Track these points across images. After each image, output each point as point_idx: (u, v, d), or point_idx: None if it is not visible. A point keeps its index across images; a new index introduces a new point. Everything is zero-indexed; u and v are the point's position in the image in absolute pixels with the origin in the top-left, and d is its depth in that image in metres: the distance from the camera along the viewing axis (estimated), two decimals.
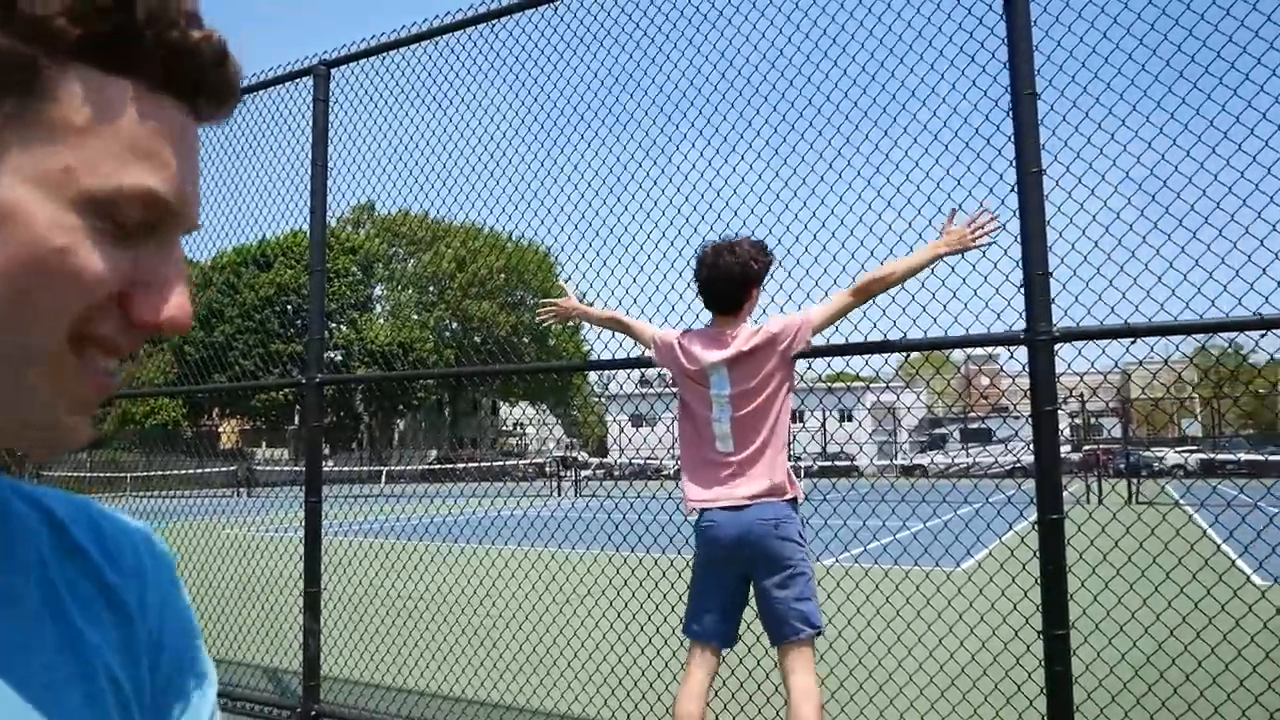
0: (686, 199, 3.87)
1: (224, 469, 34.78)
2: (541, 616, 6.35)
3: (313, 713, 4.30)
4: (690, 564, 3.12)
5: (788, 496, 2.99)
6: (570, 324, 3.70)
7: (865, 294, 3.04)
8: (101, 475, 31.80)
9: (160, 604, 0.66)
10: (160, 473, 32.61)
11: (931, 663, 4.09)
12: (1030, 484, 2.94)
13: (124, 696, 0.59)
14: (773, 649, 3.00)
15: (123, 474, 31.55)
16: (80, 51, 0.48)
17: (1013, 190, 2.91)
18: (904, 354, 3.58)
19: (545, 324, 3.61)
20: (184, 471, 33.35)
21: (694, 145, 3.91)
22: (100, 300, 0.49)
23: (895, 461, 30.69)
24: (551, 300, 3.57)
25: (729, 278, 3.02)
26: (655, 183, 3.97)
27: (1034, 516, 2.87)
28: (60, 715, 0.54)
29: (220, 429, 46.15)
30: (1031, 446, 2.86)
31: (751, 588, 3.03)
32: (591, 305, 3.66)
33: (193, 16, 0.50)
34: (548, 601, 6.70)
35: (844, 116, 3.52)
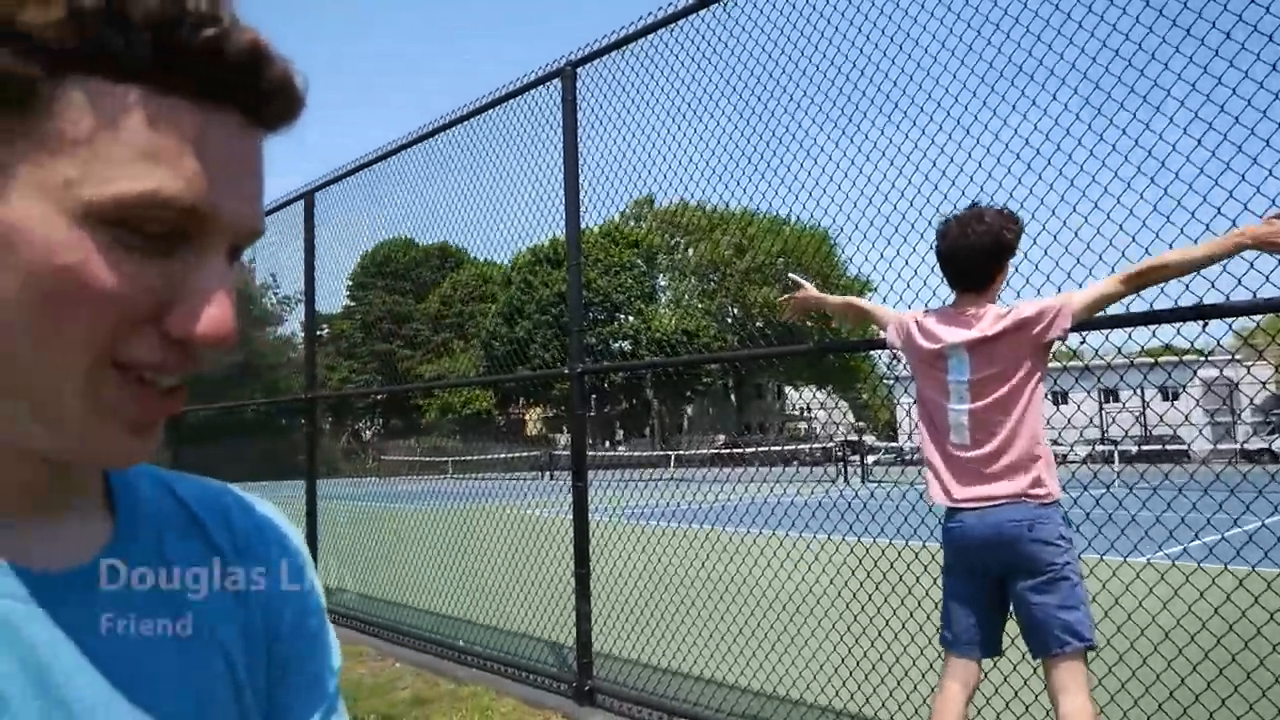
0: (962, 169, 3.60)
1: (529, 454, 37.76)
2: (819, 605, 6.26)
3: (586, 687, 4.55)
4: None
5: (1040, 495, 2.68)
6: (810, 318, 3.58)
7: (1140, 282, 2.62)
8: (428, 459, 35.76)
9: (280, 593, 0.67)
10: (475, 457, 36.07)
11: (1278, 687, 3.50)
12: None
13: (238, 678, 0.61)
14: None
15: (444, 458, 35.27)
16: (78, 62, 0.46)
17: None
18: (1253, 319, 2.99)
19: (789, 320, 3.52)
20: (495, 456, 36.59)
21: (965, 111, 3.63)
22: (129, 317, 0.48)
23: (1237, 445, 26.83)
24: (790, 296, 3.47)
25: (978, 250, 2.76)
26: (927, 157, 3.74)
27: None
28: (172, 689, 0.57)
29: (525, 416, 50.15)
30: None
31: (1009, 595, 2.77)
32: (865, 288, 3.52)
33: (209, 17, 0.48)
34: (830, 591, 6.58)
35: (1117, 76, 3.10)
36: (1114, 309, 2.77)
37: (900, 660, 4.24)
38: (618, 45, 4.21)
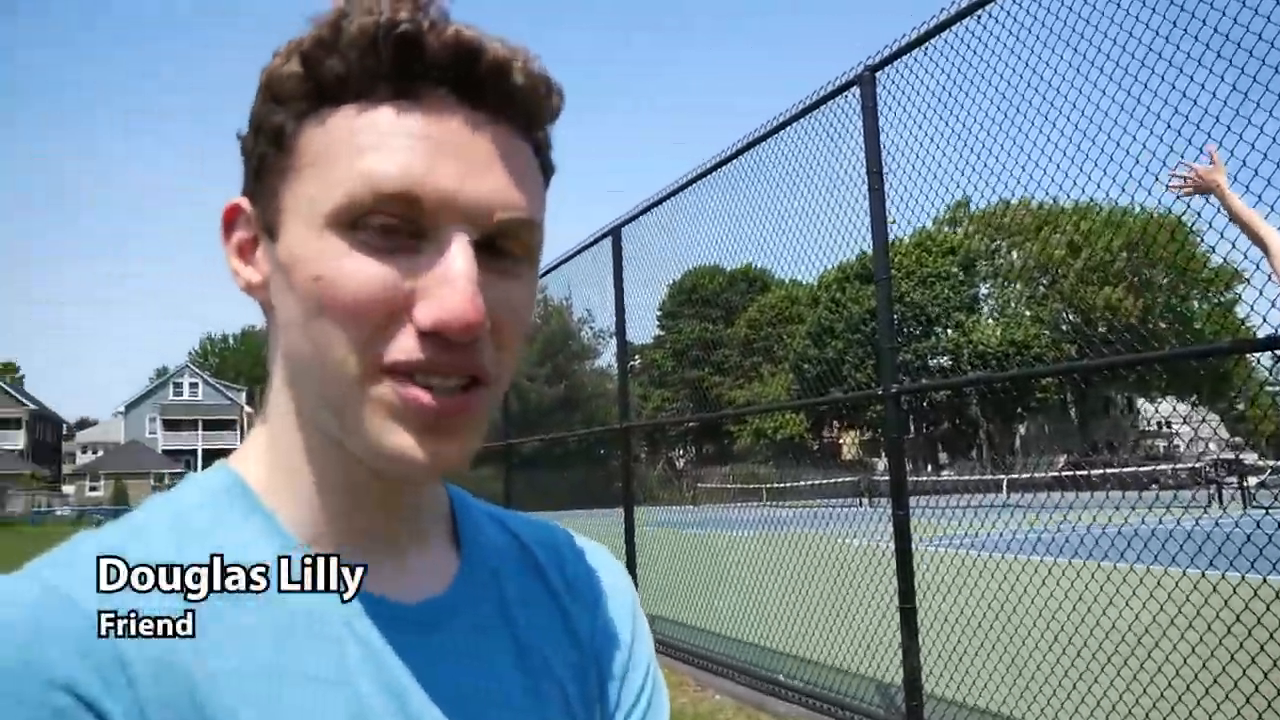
0: None
1: (846, 479, 37.03)
2: (1193, 654, 5.50)
3: None
4: None
5: None
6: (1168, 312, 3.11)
7: None
8: (742, 486, 36.24)
9: (614, 633, 0.70)
10: (790, 484, 36.01)
11: None
12: None
13: (571, 714, 0.63)
14: None
15: (759, 485, 35.56)
16: (313, 97, 0.54)
17: None
18: None
19: (1175, 190, 3.06)
20: (811, 482, 36.30)
21: None
22: (381, 316, 0.52)
23: None
24: (1189, 164, 2.97)
25: None
26: None
27: None
28: (517, 718, 0.60)
29: (841, 440, 49.31)
30: None
31: None
32: (1234, 279, 3.02)
33: (405, 21, 0.51)
34: (1207, 637, 5.78)
35: None
36: None
37: None
38: (918, 43, 4.05)
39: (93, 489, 58.40)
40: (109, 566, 0.52)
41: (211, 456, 69.09)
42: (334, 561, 0.57)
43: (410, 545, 0.63)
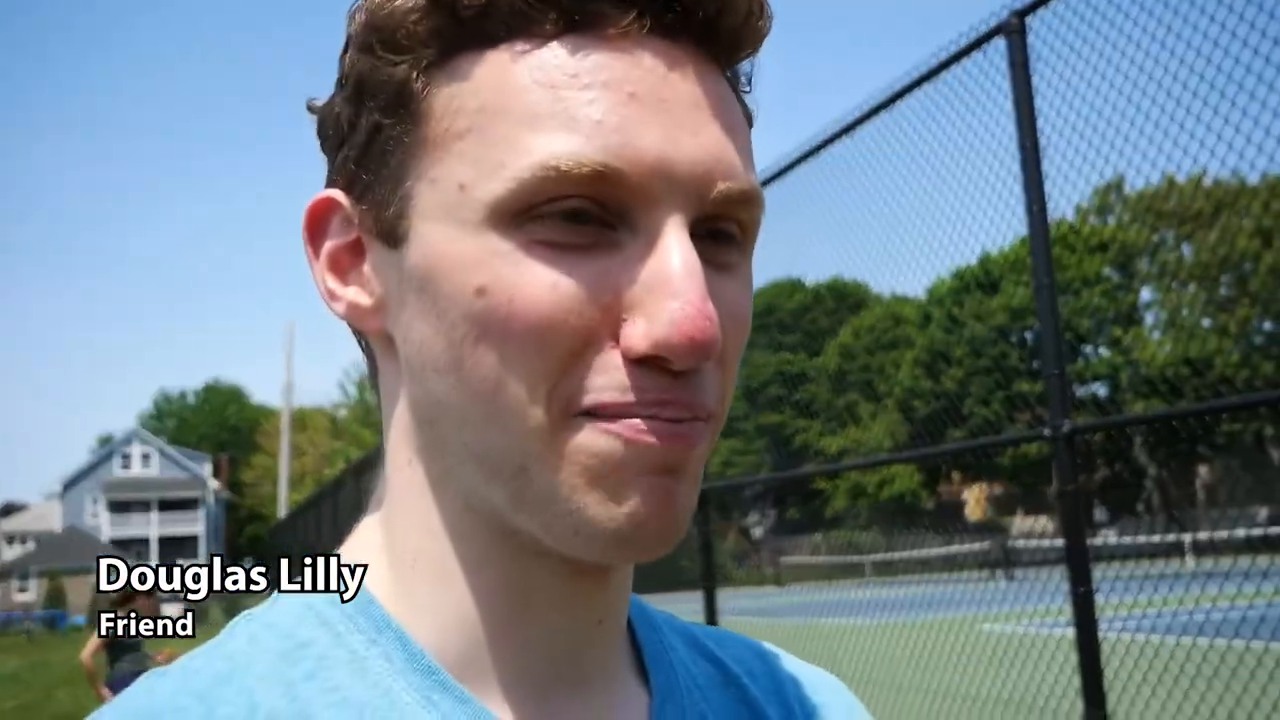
0: None
1: (974, 545, 36.52)
2: None
3: None
4: None
5: None
6: None
7: None
8: (838, 560, 35.90)
9: None
10: (900, 554, 35.61)
11: None
12: None
13: None
14: None
15: (860, 557, 35.21)
16: (455, 44, 0.49)
17: None
18: None
19: None
20: (927, 551, 35.85)
21: None
22: (575, 338, 0.47)
23: None
24: None
25: None
26: None
27: None
28: None
29: (964, 496, 48.73)
30: None
31: None
32: None
33: None
34: None
35: None
36: None
37: None
38: None
39: (21, 590, 59.44)
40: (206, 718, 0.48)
41: (169, 546, 70.30)
42: (504, 700, 0.54)
43: (596, 672, 0.58)
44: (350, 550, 0.59)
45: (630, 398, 0.47)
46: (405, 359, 0.53)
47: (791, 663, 0.71)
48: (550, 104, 0.47)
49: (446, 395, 0.50)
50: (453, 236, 0.49)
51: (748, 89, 0.57)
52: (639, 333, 0.47)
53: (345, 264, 0.56)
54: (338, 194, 0.55)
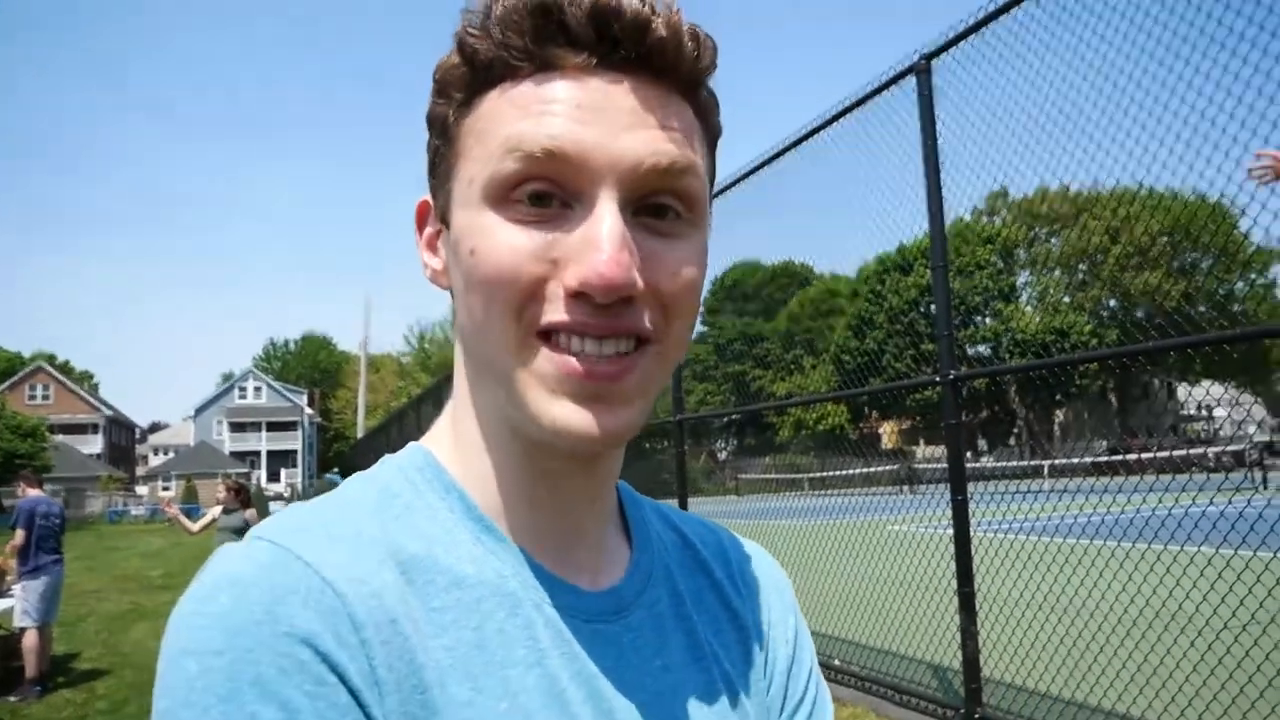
0: None
1: (887, 468, 36.65)
2: (1241, 636, 5.35)
3: (976, 715, 4.24)
4: None
5: None
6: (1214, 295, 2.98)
7: None
8: (784, 477, 35.97)
9: (779, 628, 0.69)
10: (832, 473, 35.74)
11: None
12: None
13: (743, 709, 0.63)
14: None
15: (800, 475, 35.32)
16: (474, 88, 0.54)
17: None
18: None
19: (1257, 178, 2.94)
20: (851, 471, 36.00)
21: None
22: (529, 283, 0.51)
23: None
24: (1270, 151, 2.86)
25: None
26: None
27: None
28: (693, 706, 0.59)
29: (880, 430, 48.83)
30: None
31: None
32: (1271, 258, 2.92)
33: None
34: (1249, 617, 5.63)
35: None
36: None
37: None
38: (973, 30, 3.96)
39: (165, 489, 59.61)
40: (326, 536, 0.52)
41: (275, 457, 70.40)
42: (528, 547, 0.58)
43: (592, 529, 0.62)
44: (430, 436, 0.64)
45: (567, 318, 0.51)
46: (457, 304, 0.58)
47: (734, 537, 0.74)
48: (518, 115, 0.51)
49: (465, 324, 0.56)
50: (466, 216, 0.54)
51: (714, 107, 0.58)
52: (571, 275, 0.50)
53: (433, 244, 0.61)
54: (427, 196, 0.61)
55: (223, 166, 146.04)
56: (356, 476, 0.60)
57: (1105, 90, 3.86)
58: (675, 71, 0.53)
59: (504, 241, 0.51)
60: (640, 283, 0.51)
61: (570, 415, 0.52)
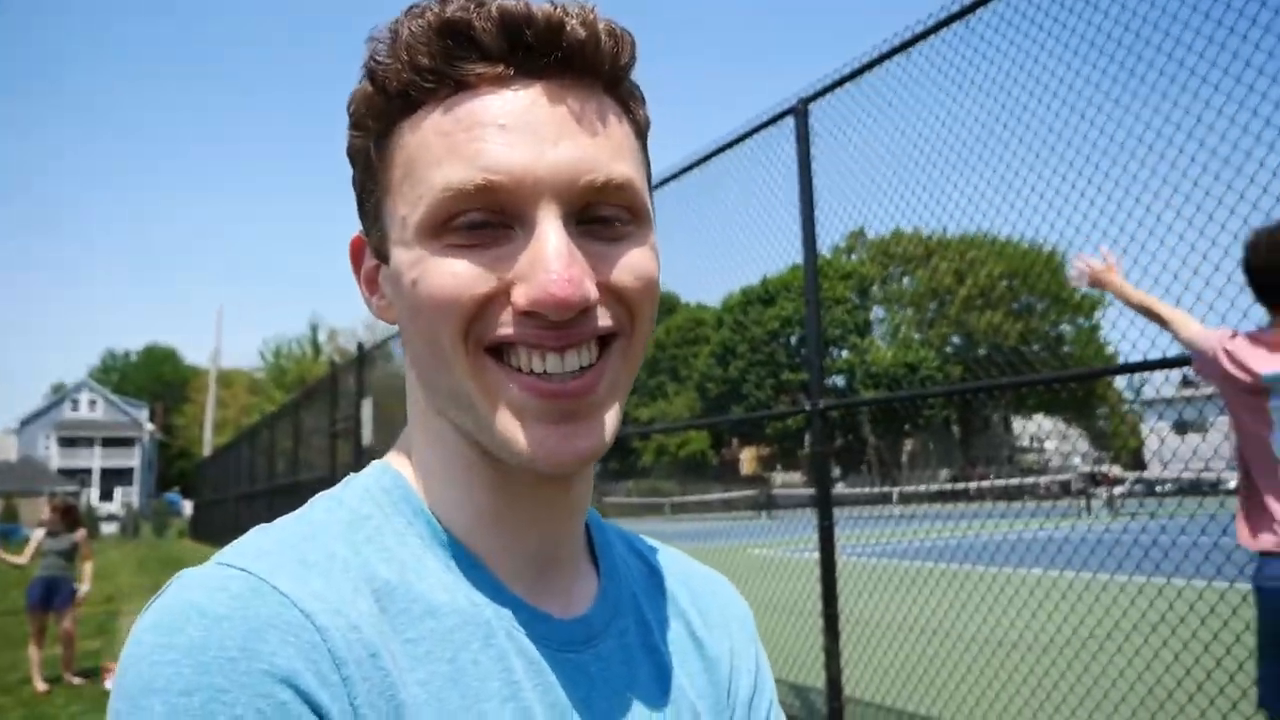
0: (1219, 177, 3.27)
1: (746, 493, 37.49)
2: (1074, 650, 5.77)
3: None
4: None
5: None
6: (1094, 294, 3.26)
7: None
8: (644, 501, 36.28)
9: (741, 657, 0.69)
10: (693, 498, 36.26)
11: None
12: None
13: None
14: None
15: (661, 499, 35.70)
16: (391, 118, 0.53)
17: None
18: None
19: (1073, 286, 3.20)
20: (712, 496, 36.62)
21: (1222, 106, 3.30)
22: (473, 305, 0.50)
23: None
24: (1086, 259, 3.11)
25: None
26: (1183, 155, 3.43)
27: None
28: None
29: (740, 456, 49.97)
30: None
31: None
32: (1096, 305, 3.19)
33: (451, 8, 0.51)
34: (1081, 633, 6.08)
35: None
36: None
37: (1165, 706, 3.80)
38: (849, 78, 4.17)
39: None
40: (299, 563, 0.49)
41: (110, 475, 65.70)
42: (498, 573, 0.56)
43: (565, 554, 0.61)
44: (393, 457, 0.61)
45: (518, 333, 0.51)
46: (403, 335, 0.56)
47: (698, 565, 0.74)
48: (446, 148, 0.50)
49: (419, 354, 0.55)
50: (404, 251, 0.53)
51: (638, 99, 0.58)
52: (521, 294, 0.50)
53: (372, 279, 0.60)
54: (360, 233, 0.60)
55: (67, 154, 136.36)
56: (321, 496, 0.57)
57: (954, 143, 4.13)
58: (596, 70, 0.53)
59: (446, 269, 0.50)
60: (594, 294, 0.51)
61: (543, 438, 0.51)
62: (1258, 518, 2.52)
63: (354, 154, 0.56)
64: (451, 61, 0.50)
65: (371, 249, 0.58)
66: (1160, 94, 3.44)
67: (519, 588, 0.57)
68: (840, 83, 4.21)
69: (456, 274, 0.50)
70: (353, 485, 0.58)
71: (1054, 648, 5.96)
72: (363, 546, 0.53)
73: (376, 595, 0.50)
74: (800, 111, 4.33)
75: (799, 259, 4.49)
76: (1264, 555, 2.48)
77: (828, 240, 4.57)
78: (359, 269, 0.61)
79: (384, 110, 0.53)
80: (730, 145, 5.05)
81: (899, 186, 4.38)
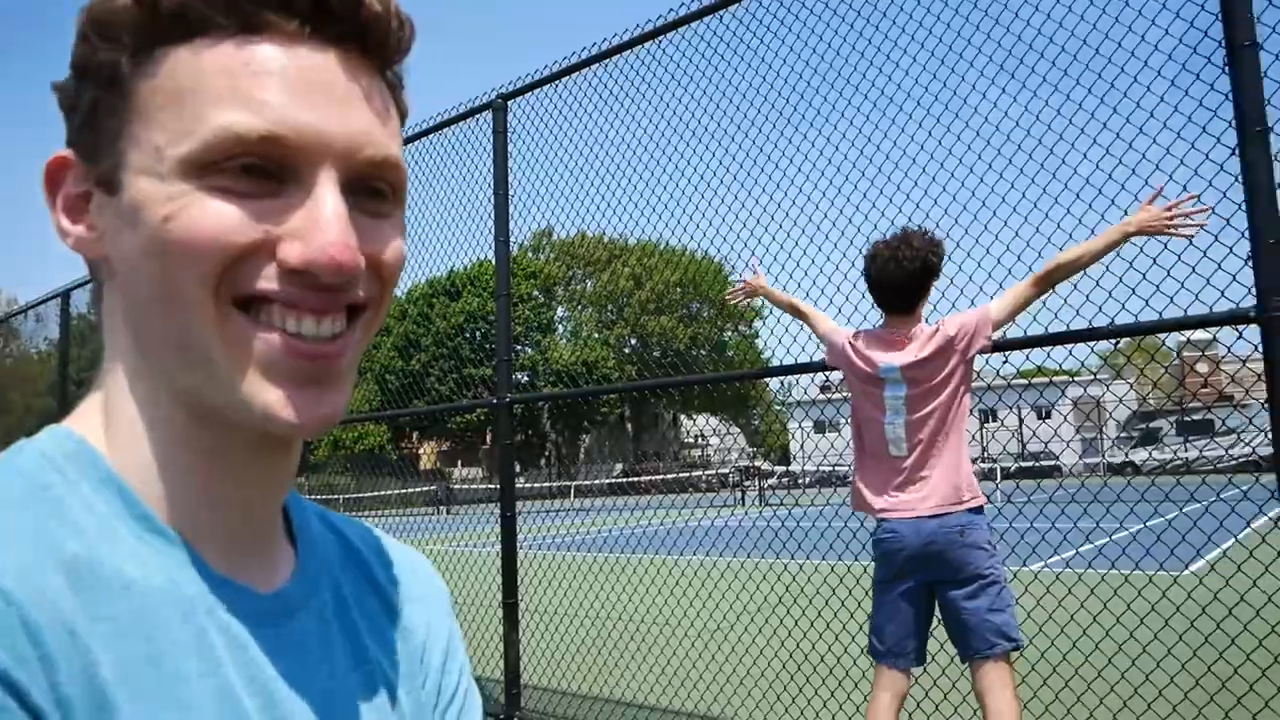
0: (849, 199, 3.78)
1: (424, 489, 36.87)
2: (730, 627, 6.35)
3: (515, 718, 4.48)
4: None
5: (970, 503, 2.83)
6: (753, 305, 3.67)
7: (1047, 283, 2.84)
8: (317, 498, 34.39)
9: (435, 628, 0.70)
10: (369, 494, 35.00)
11: (1160, 674, 3.75)
12: (1269, 478, 2.66)
13: (400, 709, 0.62)
14: (966, 667, 2.85)
15: (335, 496, 34.09)
16: (156, 36, 0.49)
17: (1233, 153, 2.65)
18: (1111, 342, 3.31)
19: (734, 302, 3.58)
20: (389, 492, 35.59)
21: (858, 133, 3.81)
22: (234, 253, 0.48)
23: (1104, 459, 28.53)
24: (743, 280, 3.54)
25: (907, 275, 2.90)
26: (823, 181, 3.91)
27: (1276, 512, 2.59)
28: (356, 710, 0.58)
29: (420, 451, 49.05)
30: (1269, 436, 2.59)
31: (938, 601, 2.89)
32: (756, 315, 3.63)
33: None
34: (736, 611, 6.69)
35: (1031, 89, 3.33)
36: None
37: (810, 679, 4.33)
38: (549, 80, 4.27)
39: None
40: None
41: None
42: (198, 545, 0.53)
43: (267, 527, 0.59)
44: (76, 419, 0.55)
45: (279, 289, 0.49)
46: (121, 276, 0.52)
47: (391, 541, 0.73)
48: (229, 88, 0.48)
49: (149, 300, 0.50)
50: (152, 183, 0.49)
51: (402, 87, 0.58)
52: (295, 251, 0.48)
53: (76, 207, 0.54)
54: (70, 154, 0.54)
55: None
56: None
57: (642, 154, 4.39)
58: (383, 50, 0.53)
59: (210, 209, 0.48)
60: (363, 262, 0.51)
61: (285, 399, 0.50)
62: (871, 486, 2.96)
63: (94, 66, 0.50)
64: (251, 0, 0.48)
65: (91, 174, 0.52)
66: (809, 123, 3.91)
67: (219, 560, 0.54)
68: (541, 83, 4.30)
69: (222, 216, 0.47)
70: (27, 452, 0.52)
71: (712, 624, 6.50)
72: (46, 519, 0.48)
73: (65, 571, 0.46)
74: (500, 106, 4.36)
75: (489, 254, 4.53)
76: (879, 519, 2.92)
77: (516, 238, 4.64)
78: (55, 191, 0.55)
79: (146, 27, 0.49)
80: (424, 134, 4.96)
81: (589, 191, 4.56)
